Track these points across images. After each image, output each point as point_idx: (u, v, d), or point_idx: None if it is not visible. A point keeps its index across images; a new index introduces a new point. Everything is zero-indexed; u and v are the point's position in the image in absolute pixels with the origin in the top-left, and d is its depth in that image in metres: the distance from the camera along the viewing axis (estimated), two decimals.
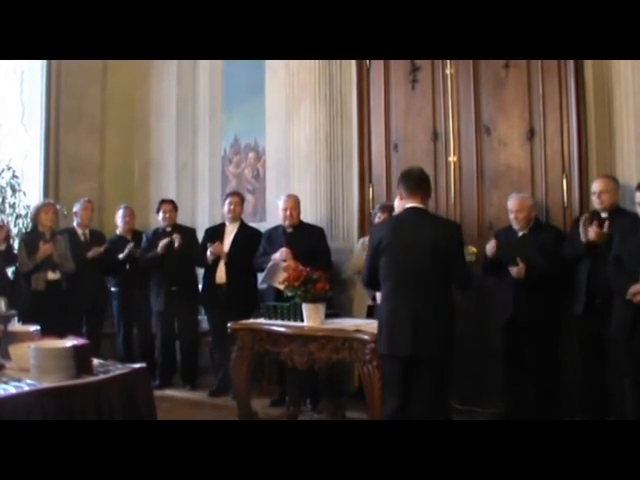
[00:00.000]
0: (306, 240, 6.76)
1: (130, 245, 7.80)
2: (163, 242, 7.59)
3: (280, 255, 6.69)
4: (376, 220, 6.78)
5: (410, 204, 4.73)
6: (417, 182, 4.79)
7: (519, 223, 6.10)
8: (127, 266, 7.87)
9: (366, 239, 6.24)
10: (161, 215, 7.89)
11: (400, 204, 4.87)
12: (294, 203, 6.97)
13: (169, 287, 7.72)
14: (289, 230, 6.95)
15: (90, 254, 7.63)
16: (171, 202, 8.03)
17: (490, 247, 6.08)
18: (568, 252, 5.81)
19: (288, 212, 6.91)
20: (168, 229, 7.87)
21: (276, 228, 7.12)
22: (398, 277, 4.64)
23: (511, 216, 6.13)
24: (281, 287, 6.20)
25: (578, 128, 6.28)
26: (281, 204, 7.00)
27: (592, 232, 5.53)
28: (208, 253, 7.31)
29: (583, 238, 5.59)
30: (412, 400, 4.57)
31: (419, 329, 4.48)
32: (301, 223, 7.01)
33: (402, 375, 4.60)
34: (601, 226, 5.57)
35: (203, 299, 7.75)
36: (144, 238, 8.01)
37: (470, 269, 5.19)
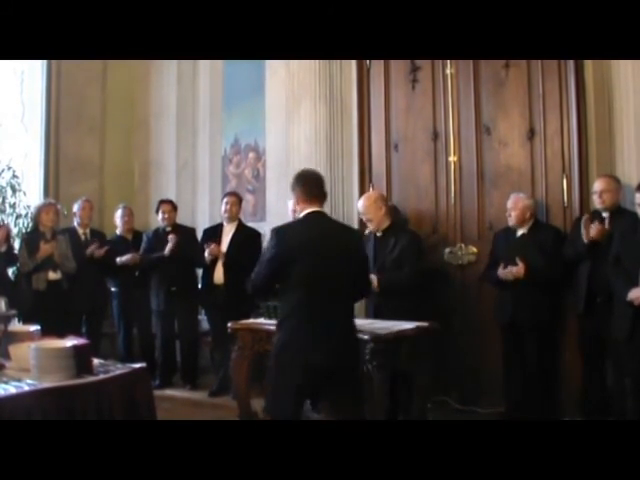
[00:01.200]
0: None
1: (131, 255, 7.82)
2: (170, 246, 7.60)
3: None
4: None
5: (312, 208, 4.36)
6: (318, 185, 4.42)
7: (512, 221, 6.17)
8: (125, 267, 7.87)
9: None
10: (160, 215, 7.89)
11: (299, 208, 4.46)
12: None
13: (169, 287, 7.72)
14: None
15: (89, 251, 7.64)
16: (170, 202, 8.03)
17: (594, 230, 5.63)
18: (569, 252, 5.81)
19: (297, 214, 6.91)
20: (168, 229, 7.87)
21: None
22: (312, 285, 4.21)
23: (507, 214, 6.17)
24: None
25: (578, 128, 6.28)
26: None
27: (594, 229, 5.54)
28: (206, 254, 7.33)
29: (585, 238, 5.59)
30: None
31: (328, 339, 4.18)
32: None
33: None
34: (602, 223, 5.58)
35: (202, 299, 7.76)
36: (144, 238, 8.01)
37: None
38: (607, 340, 5.55)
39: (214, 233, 7.61)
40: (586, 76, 6.26)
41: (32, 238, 7.42)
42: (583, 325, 5.85)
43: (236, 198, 7.67)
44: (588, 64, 6.23)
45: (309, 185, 4.40)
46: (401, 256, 6.01)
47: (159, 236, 7.88)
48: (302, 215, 4.40)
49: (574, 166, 6.32)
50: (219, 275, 7.39)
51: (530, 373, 6.02)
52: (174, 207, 8.00)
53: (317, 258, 4.19)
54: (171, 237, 7.59)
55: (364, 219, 6.31)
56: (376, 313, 5.92)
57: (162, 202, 8.02)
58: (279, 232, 4.32)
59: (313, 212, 4.36)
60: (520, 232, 6.15)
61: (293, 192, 4.46)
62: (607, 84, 6.19)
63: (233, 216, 7.57)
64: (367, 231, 6.38)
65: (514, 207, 6.13)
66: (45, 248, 7.19)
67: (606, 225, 5.59)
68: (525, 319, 5.95)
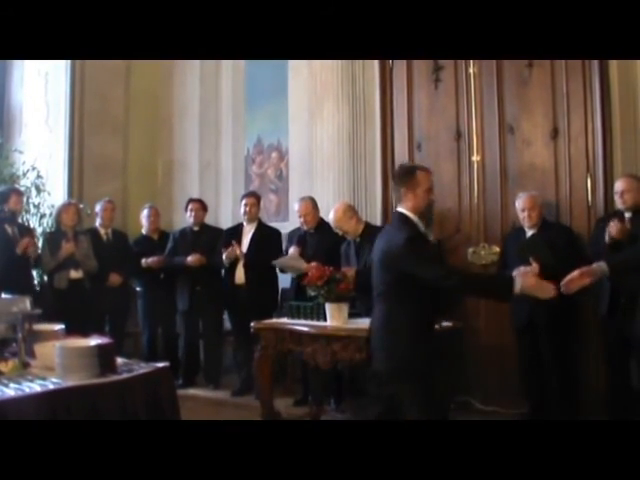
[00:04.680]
0: (326, 240, 6.75)
1: (157, 258, 7.87)
2: (194, 258, 7.64)
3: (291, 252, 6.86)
4: None
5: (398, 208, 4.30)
6: (395, 183, 4.34)
7: (531, 221, 6.05)
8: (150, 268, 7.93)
9: None
10: (188, 214, 7.92)
11: None
12: (308, 208, 6.95)
13: (194, 287, 7.75)
14: (310, 231, 6.96)
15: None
16: (200, 201, 8.05)
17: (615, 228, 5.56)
18: (590, 252, 5.76)
19: (302, 219, 6.94)
20: (195, 228, 7.90)
21: (298, 229, 7.12)
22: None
23: (523, 215, 6.08)
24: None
25: (603, 127, 6.24)
26: (296, 208, 7.03)
27: (614, 228, 5.48)
28: (224, 257, 7.36)
29: (607, 239, 5.55)
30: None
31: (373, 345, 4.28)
32: (322, 223, 6.98)
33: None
34: (623, 222, 5.53)
35: (224, 299, 7.77)
36: (171, 237, 8.06)
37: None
38: (631, 340, 5.50)
39: (234, 233, 7.61)
40: (611, 76, 6.23)
41: (54, 238, 7.49)
42: (606, 326, 5.81)
43: (255, 199, 7.66)
44: (613, 64, 6.19)
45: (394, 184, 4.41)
46: None
47: (186, 236, 7.92)
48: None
49: (598, 166, 6.28)
50: (240, 275, 7.39)
51: (549, 374, 5.98)
52: (203, 207, 8.01)
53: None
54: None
55: (340, 232, 6.29)
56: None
57: (192, 201, 8.05)
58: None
59: (393, 212, 4.40)
60: (530, 232, 6.08)
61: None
62: (632, 84, 6.15)
63: (253, 217, 7.57)
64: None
65: (533, 206, 6.04)
66: (66, 247, 7.25)
67: (627, 222, 5.54)
68: (542, 320, 5.89)
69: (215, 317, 7.94)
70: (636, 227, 5.49)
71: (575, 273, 4.25)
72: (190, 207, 7.92)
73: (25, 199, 8.35)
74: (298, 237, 6.99)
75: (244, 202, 7.60)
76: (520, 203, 6.11)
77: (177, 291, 7.92)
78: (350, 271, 5.81)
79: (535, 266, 5.81)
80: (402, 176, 4.24)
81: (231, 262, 7.38)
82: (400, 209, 4.20)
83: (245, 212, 7.55)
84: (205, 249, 7.68)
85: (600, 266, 4.29)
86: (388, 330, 4.11)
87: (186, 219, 8.04)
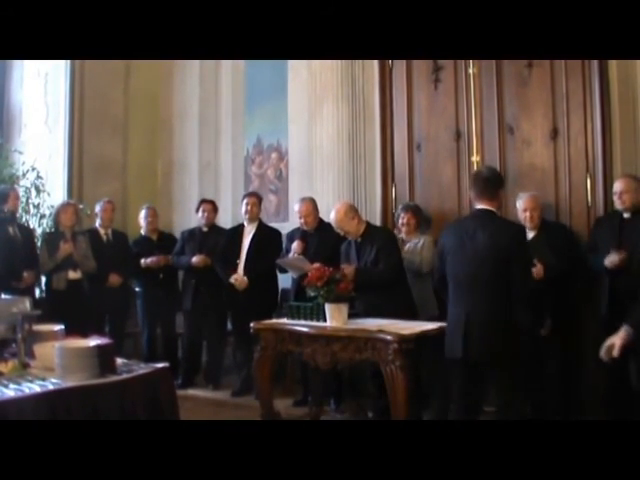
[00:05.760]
0: (326, 240, 6.75)
1: (156, 258, 7.88)
2: (198, 258, 7.67)
3: (295, 247, 6.87)
4: (400, 221, 6.79)
5: (479, 206, 4.79)
6: (485, 184, 4.79)
7: (533, 222, 6.07)
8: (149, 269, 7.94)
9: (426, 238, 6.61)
10: (200, 214, 7.93)
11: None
12: (308, 209, 6.95)
13: (197, 287, 7.76)
14: (309, 231, 6.96)
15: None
16: (211, 202, 8.06)
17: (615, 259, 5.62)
18: (591, 262, 5.76)
19: (302, 220, 6.94)
20: (205, 229, 7.92)
21: (297, 229, 7.12)
22: (456, 280, 4.75)
23: (524, 215, 6.09)
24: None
25: (602, 127, 6.23)
26: (296, 209, 7.03)
27: (614, 260, 5.51)
28: (232, 280, 7.38)
29: (608, 264, 5.55)
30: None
31: (470, 332, 4.59)
32: (321, 223, 6.99)
33: (465, 377, 4.73)
34: (621, 252, 5.53)
35: (224, 300, 7.77)
36: (180, 237, 8.11)
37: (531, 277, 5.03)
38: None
39: (235, 234, 7.62)
40: (610, 76, 6.22)
41: (52, 238, 7.50)
42: (606, 326, 5.80)
43: (256, 198, 7.66)
44: (612, 64, 6.19)
45: (477, 184, 4.85)
46: (378, 256, 6.00)
47: (194, 236, 7.94)
48: (469, 213, 5.08)
49: (598, 166, 6.28)
50: (240, 275, 7.41)
51: (550, 375, 5.98)
52: (215, 207, 8.04)
53: (458, 254, 4.73)
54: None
55: (341, 232, 6.29)
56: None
57: (204, 201, 8.07)
58: (449, 225, 5.17)
59: (476, 210, 4.83)
60: (532, 233, 6.03)
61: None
62: (632, 84, 6.15)
63: (254, 216, 7.58)
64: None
65: (535, 207, 6.06)
66: (64, 248, 7.25)
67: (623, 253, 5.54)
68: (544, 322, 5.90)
69: (218, 317, 7.91)
70: (636, 227, 5.50)
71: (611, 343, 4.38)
72: (202, 208, 7.93)
73: (25, 199, 8.38)
74: (301, 233, 6.98)
75: (245, 202, 7.60)
76: (522, 203, 6.12)
77: (181, 291, 7.95)
78: (349, 268, 5.82)
79: (540, 267, 5.84)
80: (500, 180, 4.93)
81: (232, 261, 7.42)
82: (487, 207, 4.74)
83: (246, 211, 7.55)
84: (212, 250, 7.69)
85: (626, 330, 4.37)
86: (505, 315, 4.56)
87: (197, 219, 8.05)
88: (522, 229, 5.09)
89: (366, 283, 5.87)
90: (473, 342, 4.59)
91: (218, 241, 7.76)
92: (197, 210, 7.99)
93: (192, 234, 8.00)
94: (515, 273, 4.57)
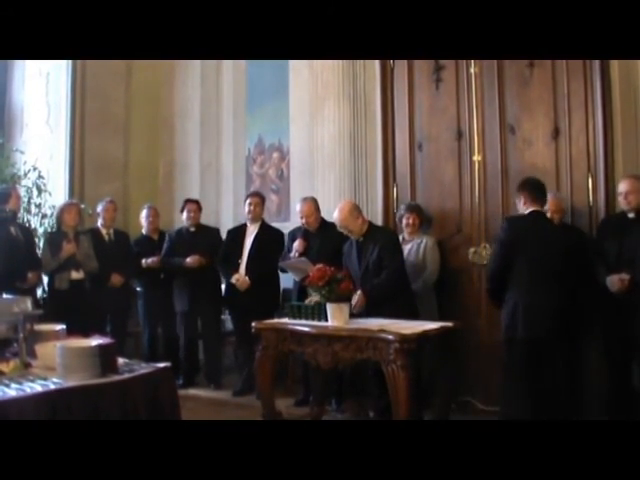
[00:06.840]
0: (328, 240, 6.75)
1: (156, 258, 7.89)
2: (193, 259, 7.65)
3: (296, 246, 6.88)
4: (404, 221, 6.79)
5: (533, 208, 5.46)
6: (541, 190, 5.57)
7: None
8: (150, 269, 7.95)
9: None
10: (185, 214, 7.92)
11: (522, 208, 5.56)
12: (310, 209, 6.96)
13: (192, 288, 7.74)
14: (312, 231, 6.96)
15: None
16: (196, 202, 8.06)
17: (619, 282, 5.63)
18: (597, 269, 5.76)
19: (304, 220, 6.94)
20: (192, 229, 7.90)
21: (299, 228, 7.12)
22: (534, 273, 5.32)
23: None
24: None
25: (604, 127, 6.22)
26: (298, 209, 7.03)
27: (618, 285, 5.52)
28: (234, 280, 7.39)
29: (612, 288, 5.56)
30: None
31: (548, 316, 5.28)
32: (323, 223, 6.99)
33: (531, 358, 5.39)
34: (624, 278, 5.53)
35: (225, 299, 7.77)
36: (167, 238, 8.05)
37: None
38: (632, 340, 5.51)
39: (238, 233, 7.63)
40: (612, 76, 6.21)
41: (55, 238, 7.48)
42: (607, 325, 5.80)
43: (259, 198, 7.67)
44: (614, 64, 6.17)
45: (534, 189, 5.55)
46: (380, 256, 6.01)
47: (182, 236, 7.92)
48: (527, 212, 5.51)
49: (599, 165, 6.26)
50: (241, 275, 7.41)
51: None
52: (199, 207, 8.03)
53: (535, 249, 5.36)
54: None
55: (345, 232, 6.28)
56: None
57: (188, 201, 8.05)
58: (505, 228, 5.57)
59: (535, 211, 5.48)
60: None
61: (520, 193, 5.60)
62: (633, 83, 6.14)
63: (256, 216, 7.58)
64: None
65: (557, 209, 6.04)
66: (67, 248, 7.25)
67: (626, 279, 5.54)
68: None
69: (214, 317, 7.94)
70: None
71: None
72: (187, 208, 7.94)
73: (27, 199, 8.38)
74: (303, 232, 6.99)
75: (248, 201, 7.60)
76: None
77: (176, 292, 7.90)
78: (359, 297, 5.90)
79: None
80: (544, 188, 5.64)
81: (235, 260, 7.43)
82: (542, 210, 5.56)
83: (249, 211, 7.55)
84: (203, 249, 7.68)
85: None
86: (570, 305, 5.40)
87: (182, 220, 8.04)
88: (581, 232, 6.07)
89: (380, 298, 5.90)
90: (539, 322, 5.28)
91: (209, 240, 7.77)
92: (182, 210, 7.99)
93: (179, 234, 8.00)
94: (582, 265, 5.53)
